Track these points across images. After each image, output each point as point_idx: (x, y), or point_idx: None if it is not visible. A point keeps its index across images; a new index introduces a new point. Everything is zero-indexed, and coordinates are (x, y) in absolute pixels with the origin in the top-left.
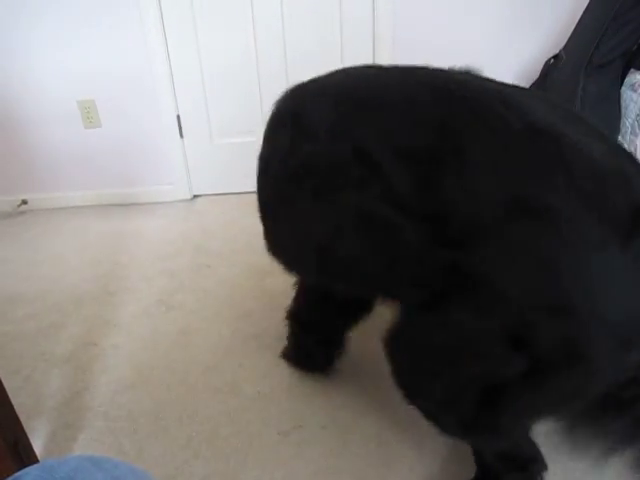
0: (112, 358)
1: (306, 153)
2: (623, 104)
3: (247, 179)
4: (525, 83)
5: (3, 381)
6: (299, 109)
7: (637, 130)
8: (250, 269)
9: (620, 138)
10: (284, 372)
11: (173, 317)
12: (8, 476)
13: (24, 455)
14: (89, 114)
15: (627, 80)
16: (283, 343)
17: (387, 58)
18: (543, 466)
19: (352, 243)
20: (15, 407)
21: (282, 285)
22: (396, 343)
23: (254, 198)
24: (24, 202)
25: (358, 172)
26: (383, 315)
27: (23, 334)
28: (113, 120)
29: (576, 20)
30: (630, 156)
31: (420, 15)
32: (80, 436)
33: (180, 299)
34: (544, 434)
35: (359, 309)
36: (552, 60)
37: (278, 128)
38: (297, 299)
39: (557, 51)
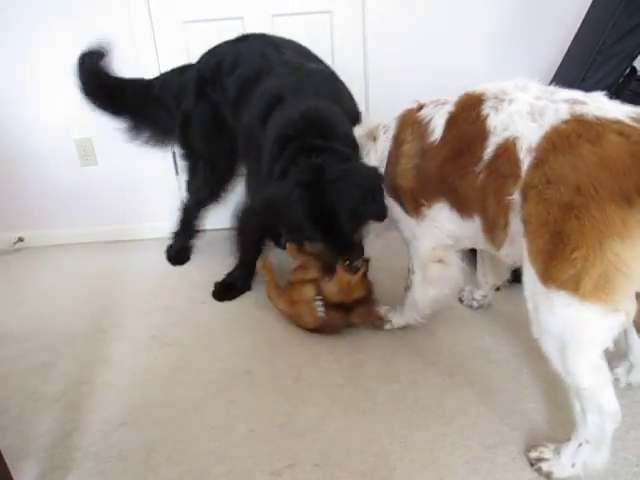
0: (103, 396)
1: None
2: None
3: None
4: None
5: None
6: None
7: None
8: (244, 304)
9: None
10: (276, 409)
11: (166, 353)
12: None
13: None
14: (86, 152)
15: None
16: (277, 379)
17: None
18: None
19: None
20: (2, 449)
21: (276, 320)
22: None
23: None
24: (20, 239)
25: None
26: (370, 366)
27: (14, 373)
28: (109, 158)
29: (563, 53)
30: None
31: (409, 47)
32: (69, 478)
33: (174, 335)
34: None
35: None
36: None
37: None
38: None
39: (545, 84)
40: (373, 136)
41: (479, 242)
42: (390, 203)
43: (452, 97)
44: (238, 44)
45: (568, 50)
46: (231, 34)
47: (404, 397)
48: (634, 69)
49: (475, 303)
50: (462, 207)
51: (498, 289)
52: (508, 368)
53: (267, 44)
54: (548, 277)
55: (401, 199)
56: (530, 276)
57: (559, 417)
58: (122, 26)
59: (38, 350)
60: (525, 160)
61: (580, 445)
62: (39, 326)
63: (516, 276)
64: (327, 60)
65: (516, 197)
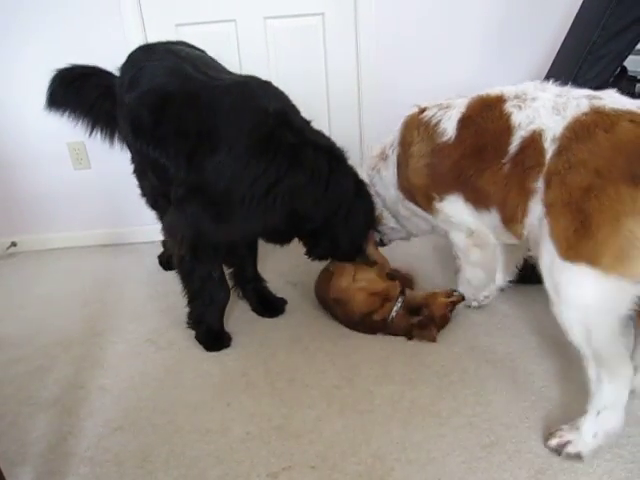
0: (99, 400)
1: None
2: None
3: None
4: None
5: None
6: None
7: None
8: (238, 307)
9: None
10: (272, 411)
11: (162, 356)
12: None
13: None
14: (79, 156)
15: None
16: (272, 381)
17: (371, 96)
18: None
19: None
20: None
21: (271, 322)
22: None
23: None
24: (13, 244)
25: None
26: (366, 367)
27: (9, 378)
28: (102, 161)
29: (554, 54)
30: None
31: (402, 47)
32: None
33: (169, 338)
34: None
35: None
36: None
37: None
38: None
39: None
40: (385, 155)
41: (499, 233)
42: (409, 205)
43: (453, 100)
44: (140, 56)
45: (559, 51)
46: (224, 37)
47: (400, 398)
48: (624, 69)
49: (475, 303)
50: (478, 200)
51: (502, 290)
52: (503, 368)
53: (172, 56)
54: (570, 252)
55: (415, 198)
56: (550, 254)
57: (555, 416)
58: (115, 29)
59: (33, 355)
60: (550, 149)
61: (598, 413)
62: (34, 331)
63: (522, 277)
64: (320, 61)
65: (539, 184)
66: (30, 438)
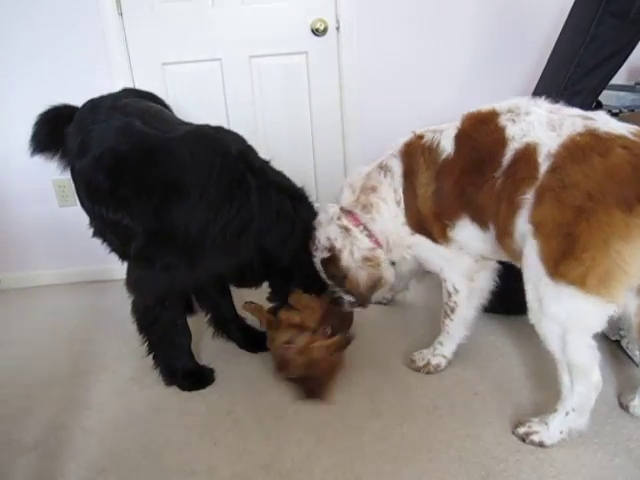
0: (82, 442)
1: None
2: None
3: None
4: None
5: None
6: None
7: None
8: (222, 345)
9: None
10: (260, 450)
11: (147, 395)
12: None
13: None
14: (64, 193)
15: None
16: (260, 419)
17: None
18: None
19: None
20: None
21: (257, 358)
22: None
23: None
24: None
25: None
26: (355, 402)
27: None
28: None
29: (531, 89)
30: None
31: (385, 88)
32: None
33: (154, 377)
34: None
35: None
36: None
37: None
38: None
39: None
40: (376, 190)
41: (499, 253)
42: (418, 240)
43: (445, 124)
44: (85, 118)
45: (537, 85)
46: (209, 75)
47: (390, 433)
48: (599, 103)
49: (384, 300)
50: (481, 218)
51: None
52: (492, 400)
53: (118, 114)
54: (557, 273)
55: (428, 229)
56: (536, 271)
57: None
58: (102, 68)
59: (14, 395)
60: (544, 164)
61: (567, 414)
62: (16, 371)
63: (493, 306)
64: (304, 97)
65: (529, 197)
66: None
